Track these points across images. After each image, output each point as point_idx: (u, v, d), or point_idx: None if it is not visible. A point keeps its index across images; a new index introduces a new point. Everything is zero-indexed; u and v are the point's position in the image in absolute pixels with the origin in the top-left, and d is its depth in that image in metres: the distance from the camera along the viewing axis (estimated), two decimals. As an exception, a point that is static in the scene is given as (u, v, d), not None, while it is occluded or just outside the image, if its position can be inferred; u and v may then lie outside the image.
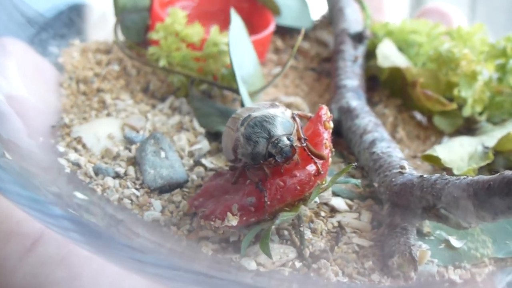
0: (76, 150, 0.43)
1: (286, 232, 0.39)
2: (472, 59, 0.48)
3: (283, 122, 0.36)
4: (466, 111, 0.48)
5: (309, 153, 0.35)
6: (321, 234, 0.39)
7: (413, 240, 0.37)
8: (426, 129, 0.51)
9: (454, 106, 0.48)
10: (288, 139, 0.35)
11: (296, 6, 0.64)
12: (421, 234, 0.40)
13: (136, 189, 0.41)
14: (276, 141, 0.35)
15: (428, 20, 0.55)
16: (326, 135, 0.37)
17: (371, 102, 0.52)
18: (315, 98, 0.54)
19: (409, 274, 0.36)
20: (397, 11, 0.63)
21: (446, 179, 0.35)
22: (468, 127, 0.50)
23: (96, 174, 0.41)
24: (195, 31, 0.51)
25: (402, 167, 0.39)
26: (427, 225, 0.40)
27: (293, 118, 0.37)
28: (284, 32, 0.62)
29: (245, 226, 0.37)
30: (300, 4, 0.64)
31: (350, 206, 0.41)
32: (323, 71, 0.58)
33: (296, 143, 0.35)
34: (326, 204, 0.41)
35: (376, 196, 0.42)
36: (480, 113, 0.49)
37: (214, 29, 0.51)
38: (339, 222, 0.40)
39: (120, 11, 0.55)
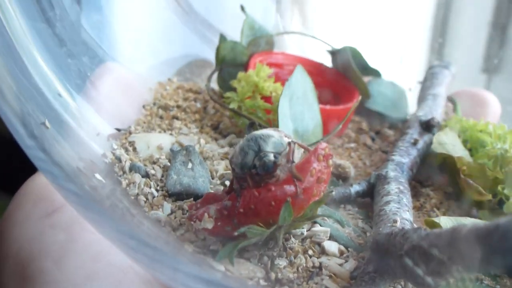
0: (126, 150, 0.49)
1: (266, 259, 0.40)
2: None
3: (275, 142, 0.38)
4: (508, 208, 0.46)
5: (291, 173, 0.37)
6: (297, 269, 0.39)
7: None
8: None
9: (489, 197, 0.46)
10: (274, 156, 0.37)
11: (392, 95, 0.65)
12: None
13: (156, 190, 0.45)
14: (262, 155, 0.38)
15: (504, 125, 0.53)
16: (316, 165, 0.38)
17: (421, 185, 0.52)
18: (369, 170, 0.55)
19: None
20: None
21: (420, 230, 0.34)
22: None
23: (130, 170, 0.46)
24: (273, 86, 0.56)
25: (394, 221, 0.39)
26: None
27: (289, 144, 0.39)
28: (374, 117, 0.64)
29: (225, 238, 0.39)
30: (398, 95, 0.66)
31: (341, 252, 0.41)
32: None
33: (280, 162, 0.37)
34: (318, 244, 0.41)
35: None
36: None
37: (290, 87, 0.55)
38: (320, 263, 0.40)
39: (220, 62, 0.62)
